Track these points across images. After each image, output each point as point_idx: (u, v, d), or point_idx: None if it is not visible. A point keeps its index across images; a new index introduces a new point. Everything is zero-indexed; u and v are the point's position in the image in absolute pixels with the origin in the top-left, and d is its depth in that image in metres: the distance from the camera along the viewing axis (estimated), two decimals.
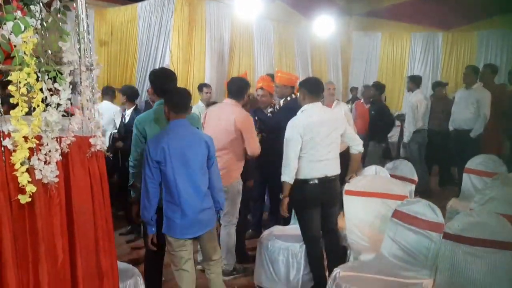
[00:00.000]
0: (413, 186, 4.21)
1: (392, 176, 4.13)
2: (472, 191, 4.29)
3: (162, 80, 2.95)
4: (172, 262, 2.77)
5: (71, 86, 1.73)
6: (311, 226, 3.24)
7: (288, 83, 4.52)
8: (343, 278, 2.69)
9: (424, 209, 2.87)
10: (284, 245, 3.35)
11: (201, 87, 6.17)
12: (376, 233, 3.35)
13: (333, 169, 3.22)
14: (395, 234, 3.00)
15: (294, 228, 3.75)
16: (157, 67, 6.73)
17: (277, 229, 3.69)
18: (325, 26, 9.08)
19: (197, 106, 5.79)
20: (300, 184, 3.15)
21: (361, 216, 3.43)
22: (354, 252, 3.26)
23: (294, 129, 3.10)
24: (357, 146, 3.36)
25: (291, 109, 3.74)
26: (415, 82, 6.68)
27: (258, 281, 3.49)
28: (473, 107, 5.65)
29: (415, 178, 4.25)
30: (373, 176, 3.87)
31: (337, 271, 2.79)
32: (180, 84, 6.86)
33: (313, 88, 3.25)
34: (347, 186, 3.54)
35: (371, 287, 2.55)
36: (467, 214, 2.69)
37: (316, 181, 3.14)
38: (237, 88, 3.71)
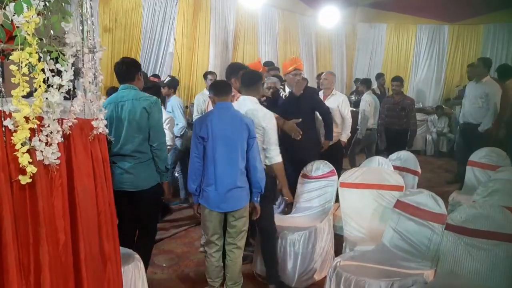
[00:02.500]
0: (416, 178, 4.21)
1: (395, 167, 4.13)
2: (475, 184, 4.26)
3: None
4: (203, 230, 3.02)
5: (73, 68, 1.71)
6: None
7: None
8: (344, 268, 2.67)
9: (427, 199, 2.86)
10: (283, 233, 3.32)
11: (206, 74, 6.16)
12: (371, 224, 3.35)
13: None
14: (397, 224, 2.99)
15: (294, 217, 3.76)
16: (161, 54, 6.74)
17: (277, 218, 3.68)
18: (330, 16, 9.02)
19: (202, 93, 5.77)
20: None
21: (356, 207, 3.42)
22: (350, 243, 3.24)
23: None
24: (267, 159, 3.08)
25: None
26: (366, 84, 7.21)
27: (257, 269, 3.49)
28: (481, 100, 5.55)
29: (418, 169, 4.24)
30: (367, 167, 3.85)
31: (337, 260, 2.78)
32: (184, 71, 6.91)
33: (246, 81, 3.20)
34: (341, 179, 3.52)
35: (371, 276, 2.53)
36: (470, 205, 2.67)
37: None
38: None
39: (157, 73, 6.64)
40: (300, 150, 4.04)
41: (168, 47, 6.77)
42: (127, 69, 3.02)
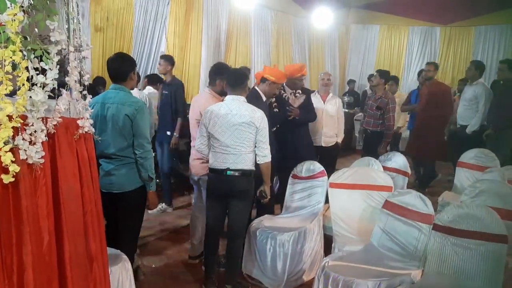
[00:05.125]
0: (406, 179, 4.23)
1: (385, 168, 4.14)
2: (464, 184, 4.30)
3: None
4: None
5: (58, 66, 1.70)
6: (209, 215, 3.28)
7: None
8: (332, 268, 2.68)
9: (415, 200, 2.88)
10: (272, 234, 3.32)
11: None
12: (361, 225, 3.36)
13: (236, 164, 3.07)
14: (385, 224, 3.01)
15: (283, 218, 3.76)
16: (152, 54, 6.73)
17: (267, 218, 3.69)
18: (323, 17, 9.03)
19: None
20: (209, 172, 3.24)
21: (345, 207, 3.43)
22: (339, 244, 3.25)
23: (202, 116, 3.17)
24: (258, 157, 3.13)
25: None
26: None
27: (246, 270, 3.48)
28: (471, 103, 5.65)
29: (409, 171, 4.27)
30: (357, 168, 3.87)
31: (326, 260, 2.79)
32: (176, 71, 6.89)
33: (230, 81, 3.20)
34: (331, 179, 3.53)
35: (359, 277, 2.54)
36: (457, 206, 2.69)
37: (215, 172, 3.13)
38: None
39: (149, 72, 6.63)
40: (296, 149, 4.21)
41: (160, 46, 6.75)
42: (120, 67, 2.89)
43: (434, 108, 5.72)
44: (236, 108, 3.07)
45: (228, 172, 3.07)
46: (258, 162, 3.16)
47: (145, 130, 2.84)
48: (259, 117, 3.08)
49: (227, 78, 3.26)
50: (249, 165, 3.13)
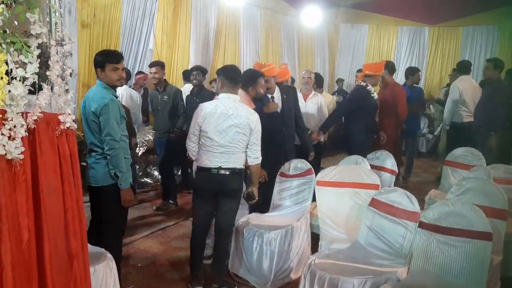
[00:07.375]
0: (393, 177, 4.24)
1: (372, 166, 4.14)
2: (451, 183, 4.32)
3: None
4: None
5: (38, 60, 1.66)
6: (196, 214, 3.25)
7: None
8: (318, 266, 2.68)
9: (401, 198, 2.88)
10: (259, 232, 3.31)
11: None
12: (348, 223, 3.35)
13: (228, 163, 3.05)
14: (372, 222, 3.01)
15: (270, 216, 3.75)
16: (140, 51, 6.66)
17: (254, 216, 3.67)
18: (312, 16, 9.04)
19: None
20: (197, 171, 3.18)
21: (332, 206, 3.43)
22: (326, 241, 3.25)
23: (196, 115, 3.11)
24: (250, 158, 3.12)
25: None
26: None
27: (233, 268, 3.46)
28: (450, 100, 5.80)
29: (396, 169, 4.28)
30: (344, 166, 3.87)
31: (312, 258, 2.78)
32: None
33: (231, 76, 3.13)
34: (318, 177, 3.52)
35: (345, 274, 2.54)
36: (442, 203, 2.70)
37: (206, 170, 3.08)
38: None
39: (136, 69, 6.57)
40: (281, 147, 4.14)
41: (148, 43, 6.69)
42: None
43: (388, 110, 5.64)
44: (232, 108, 3.03)
45: (220, 171, 3.05)
46: (249, 164, 3.14)
47: (110, 127, 2.81)
48: (255, 120, 3.08)
49: (228, 74, 3.14)
50: (240, 164, 3.11)
